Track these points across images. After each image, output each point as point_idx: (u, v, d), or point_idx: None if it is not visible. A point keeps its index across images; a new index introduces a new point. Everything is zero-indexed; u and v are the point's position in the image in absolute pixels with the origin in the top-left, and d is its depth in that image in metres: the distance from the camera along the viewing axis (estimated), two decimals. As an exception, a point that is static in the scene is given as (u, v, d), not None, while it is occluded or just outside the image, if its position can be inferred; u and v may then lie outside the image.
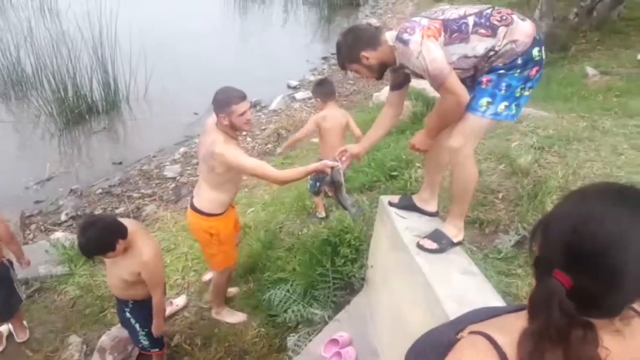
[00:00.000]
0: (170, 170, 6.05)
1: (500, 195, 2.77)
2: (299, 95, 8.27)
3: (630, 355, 0.78)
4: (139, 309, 2.68)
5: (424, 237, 2.13)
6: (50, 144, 6.64)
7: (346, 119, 3.47)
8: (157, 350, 2.87)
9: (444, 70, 1.80)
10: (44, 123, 6.94)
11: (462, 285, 1.89)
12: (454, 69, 1.84)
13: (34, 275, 3.83)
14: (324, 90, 3.50)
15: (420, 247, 2.09)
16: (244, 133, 6.56)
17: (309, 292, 2.96)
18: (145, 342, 2.79)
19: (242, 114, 2.48)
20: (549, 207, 2.40)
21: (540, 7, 7.39)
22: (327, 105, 3.45)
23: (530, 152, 3.10)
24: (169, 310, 3.27)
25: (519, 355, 0.77)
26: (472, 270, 2.01)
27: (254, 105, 7.66)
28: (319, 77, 9.02)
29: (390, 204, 2.44)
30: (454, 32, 1.84)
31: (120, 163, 6.33)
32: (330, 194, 2.70)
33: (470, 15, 1.85)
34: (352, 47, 2.03)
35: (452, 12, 1.88)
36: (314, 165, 2.48)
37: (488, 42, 1.81)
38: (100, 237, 2.31)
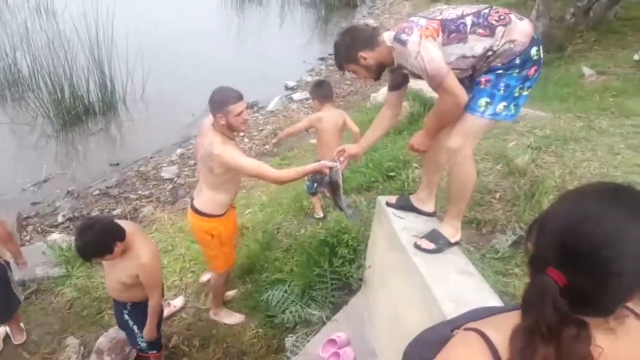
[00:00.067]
0: (168, 172, 6.04)
1: (497, 195, 2.78)
2: (297, 96, 8.28)
3: (624, 354, 0.78)
4: (138, 311, 2.67)
5: (422, 238, 2.13)
6: (47, 145, 6.62)
7: (342, 119, 3.47)
8: (154, 352, 2.87)
9: (442, 71, 1.80)
10: (41, 124, 6.93)
11: (459, 285, 1.89)
12: (452, 69, 1.84)
13: (30, 277, 3.82)
14: (321, 92, 3.50)
15: (417, 247, 2.09)
16: (242, 134, 6.56)
17: (306, 293, 2.96)
18: (143, 344, 2.78)
19: (239, 114, 2.47)
20: (546, 207, 2.40)
21: (537, 7, 7.41)
22: (324, 107, 3.46)
23: (527, 152, 3.11)
24: (166, 311, 3.26)
25: (510, 351, 0.77)
26: (469, 270, 2.01)
27: (251, 106, 7.66)
28: (317, 77, 9.02)
29: (388, 204, 2.44)
30: (452, 32, 1.84)
31: (117, 164, 6.32)
32: (328, 195, 2.70)
33: (468, 15, 1.85)
34: (349, 48, 2.02)
35: (450, 12, 1.88)
36: (312, 166, 2.48)
37: (486, 42, 1.81)
38: (98, 240, 2.29)
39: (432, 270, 1.97)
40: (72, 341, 3.28)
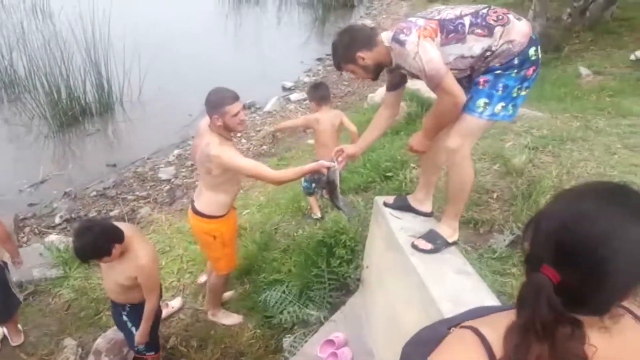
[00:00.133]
0: (165, 172, 6.02)
1: (494, 195, 2.78)
2: (294, 96, 8.25)
3: (618, 353, 0.78)
4: (136, 312, 2.66)
5: (419, 238, 2.13)
6: (44, 146, 6.60)
7: (339, 119, 3.48)
8: (152, 353, 2.86)
9: (441, 71, 1.80)
10: (37, 125, 6.90)
11: (456, 285, 1.89)
12: (451, 69, 1.84)
13: (28, 279, 3.81)
14: (319, 93, 3.51)
15: (415, 247, 2.10)
16: (239, 134, 6.55)
17: (304, 293, 2.96)
18: (141, 346, 2.78)
19: (235, 115, 2.46)
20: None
21: (533, 7, 7.42)
22: (321, 109, 3.47)
23: (525, 152, 3.11)
24: (164, 312, 3.25)
25: (504, 348, 0.77)
26: (466, 270, 2.01)
27: (248, 106, 7.63)
28: (314, 78, 9.02)
29: (385, 204, 2.45)
30: (450, 32, 1.84)
31: (115, 165, 6.30)
32: (326, 195, 2.70)
33: (466, 15, 1.85)
34: (348, 48, 2.02)
35: (448, 12, 1.88)
36: (310, 166, 2.47)
37: (485, 42, 1.81)
38: (97, 242, 2.29)
39: (430, 270, 1.97)
40: (69, 342, 3.28)
